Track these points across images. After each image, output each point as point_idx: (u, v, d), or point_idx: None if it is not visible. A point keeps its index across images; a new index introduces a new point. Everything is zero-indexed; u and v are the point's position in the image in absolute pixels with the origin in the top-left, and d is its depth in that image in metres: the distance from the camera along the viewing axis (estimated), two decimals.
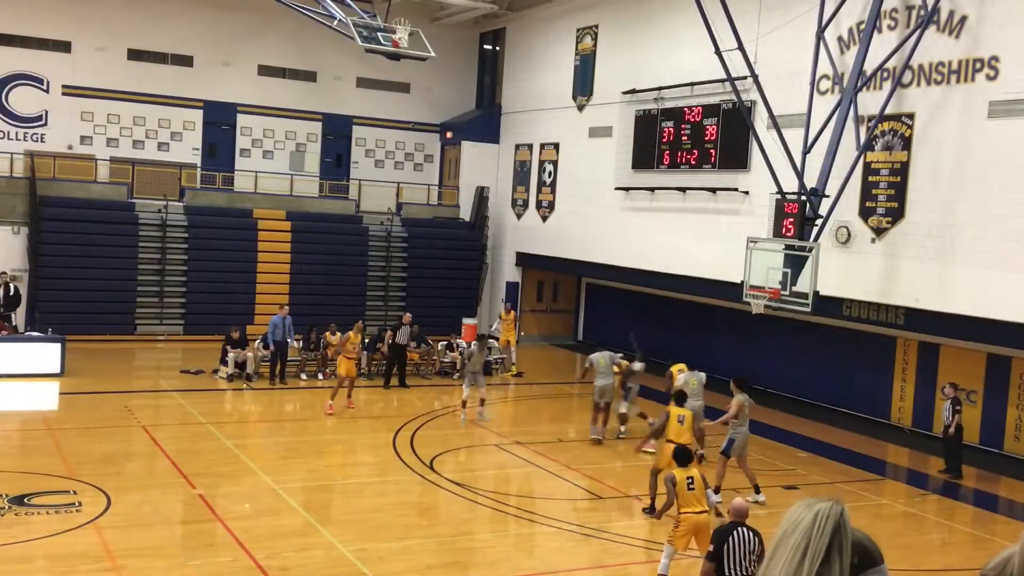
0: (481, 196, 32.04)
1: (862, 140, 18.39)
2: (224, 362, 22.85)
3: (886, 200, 18.80)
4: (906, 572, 12.60)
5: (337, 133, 32.53)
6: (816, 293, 17.54)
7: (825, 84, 19.85)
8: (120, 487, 14.10)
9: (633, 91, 25.76)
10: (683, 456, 11.56)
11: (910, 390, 21.30)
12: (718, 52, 18.97)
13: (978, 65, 17.22)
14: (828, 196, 18.17)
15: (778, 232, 18.40)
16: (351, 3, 25.39)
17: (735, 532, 9.38)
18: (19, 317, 25.31)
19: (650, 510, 14.08)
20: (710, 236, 22.97)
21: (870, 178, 19.04)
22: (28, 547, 11.71)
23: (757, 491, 15.14)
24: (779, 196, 18.53)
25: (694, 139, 23.80)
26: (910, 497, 16.74)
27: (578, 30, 28.49)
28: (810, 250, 17.66)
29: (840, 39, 19.69)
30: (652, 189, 25.19)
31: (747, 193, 22.08)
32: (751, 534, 9.39)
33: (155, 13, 29.38)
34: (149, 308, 27.53)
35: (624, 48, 26.51)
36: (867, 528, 2.52)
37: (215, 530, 12.80)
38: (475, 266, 31.57)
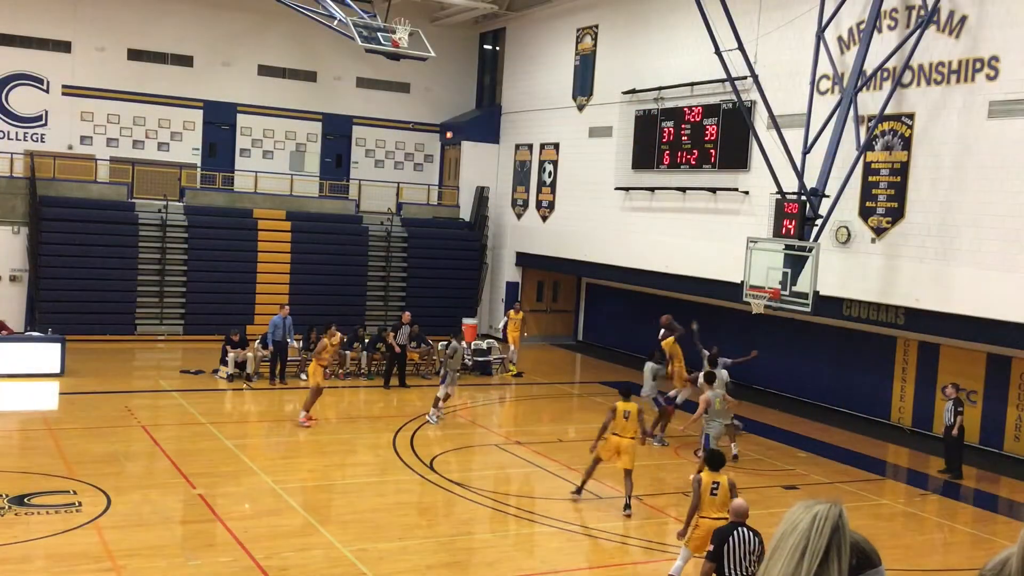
0: (481, 196, 32.05)
1: (862, 140, 18.39)
2: (224, 362, 22.85)
3: (886, 200, 18.80)
4: (906, 572, 12.61)
5: (337, 133, 32.53)
6: (816, 293, 17.54)
7: (825, 84, 19.86)
8: (120, 487, 14.11)
9: (633, 91, 25.76)
10: (716, 460, 11.20)
11: (910, 390, 21.30)
12: (718, 52, 18.97)
13: (978, 65, 17.22)
14: (828, 196, 18.17)
15: (778, 232, 18.40)
16: (351, 3, 25.40)
17: (735, 532, 9.38)
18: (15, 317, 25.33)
19: (576, 491, 14.83)
20: (710, 236, 22.97)
21: (870, 178, 19.04)
22: (28, 547, 11.71)
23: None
24: (779, 196, 18.54)
25: (694, 139, 23.80)
26: (910, 497, 16.74)
27: (578, 30, 28.49)
28: (810, 250, 17.66)
29: (840, 39, 19.69)
30: (652, 189, 25.19)
31: (747, 193, 22.08)
32: (751, 534, 9.39)
33: (155, 13, 29.39)
34: (149, 308, 27.53)
35: (624, 48, 26.51)
36: (867, 528, 2.52)
37: (215, 530, 12.80)
38: (475, 266, 31.57)
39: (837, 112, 18.32)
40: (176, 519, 13.49)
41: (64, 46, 28.72)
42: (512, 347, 26.05)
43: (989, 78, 17.04)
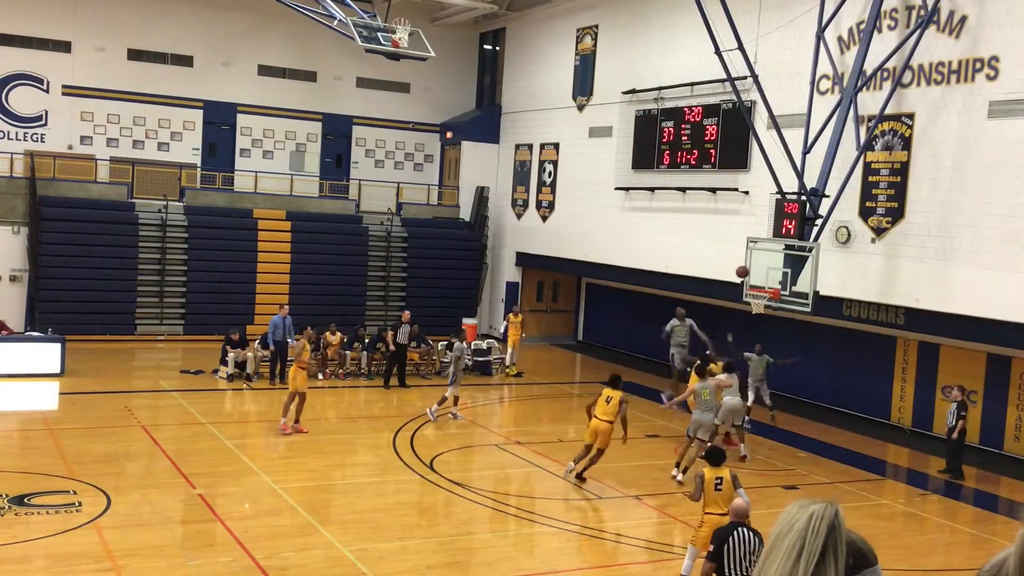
0: (481, 196, 32.05)
1: (862, 140, 18.39)
2: (224, 362, 22.86)
3: (886, 200, 18.80)
4: (906, 572, 12.60)
5: (337, 133, 32.53)
6: (816, 293, 17.54)
7: (825, 84, 19.85)
8: (120, 487, 14.11)
9: (633, 91, 25.76)
10: (716, 456, 11.42)
11: (910, 390, 21.30)
12: (718, 52, 18.97)
13: (978, 65, 17.22)
14: (828, 196, 18.17)
15: (778, 232, 18.40)
16: (351, 3, 25.40)
17: (735, 532, 9.39)
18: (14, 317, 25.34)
19: (578, 476, 15.66)
20: (710, 236, 22.97)
21: (870, 178, 19.04)
22: (28, 547, 11.71)
23: (677, 466, 16.15)
24: (779, 196, 18.54)
25: (694, 139, 23.80)
26: (910, 497, 16.74)
27: (578, 30, 28.49)
28: (810, 250, 17.66)
29: (840, 39, 19.69)
30: (652, 189, 25.19)
31: (747, 193, 22.08)
32: (751, 534, 9.40)
33: (155, 13, 29.39)
34: (149, 308, 27.53)
35: (624, 48, 26.51)
36: (867, 528, 2.53)
37: (215, 530, 12.80)
38: (475, 266, 31.57)
39: (837, 112, 18.32)
40: (176, 519, 13.49)
41: (64, 46, 28.72)
42: (510, 349, 26.03)
43: (989, 78, 17.04)
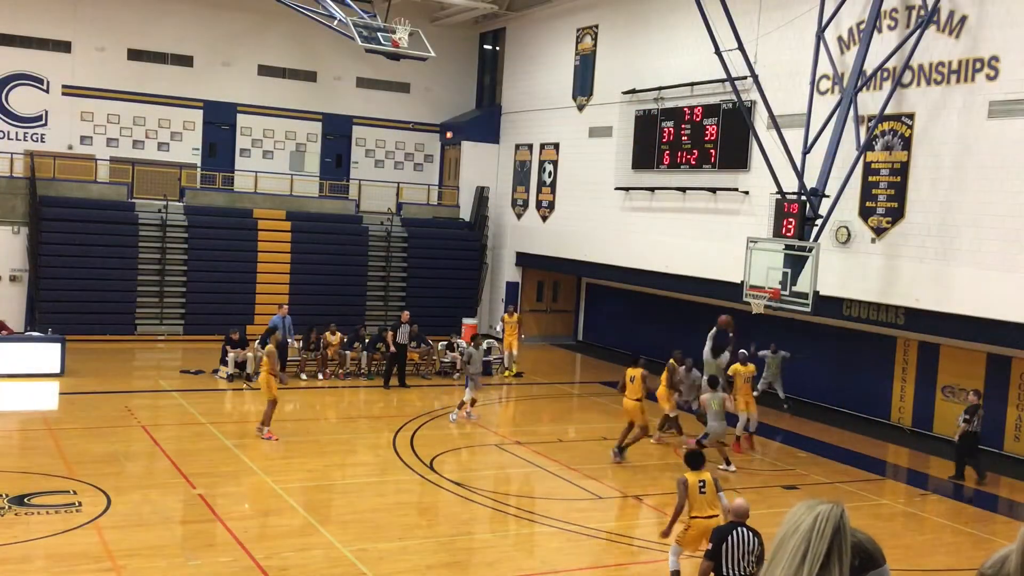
0: (481, 196, 32.05)
1: (862, 140, 18.39)
2: (224, 362, 22.85)
3: (886, 200, 18.80)
4: (906, 572, 12.60)
5: (337, 133, 32.53)
6: (816, 293, 17.54)
7: (825, 84, 19.85)
8: (120, 487, 14.10)
9: (633, 91, 25.76)
10: (695, 460, 11.33)
11: (910, 390, 21.29)
12: (718, 52, 18.97)
13: (978, 65, 17.22)
14: (828, 196, 18.17)
15: (778, 232, 18.40)
16: (351, 3, 25.39)
17: (734, 532, 9.39)
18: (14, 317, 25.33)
19: (617, 451, 16.92)
20: (710, 236, 22.97)
21: (870, 178, 19.04)
22: (28, 547, 11.71)
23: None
24: (779, 196, 18.54)
25: (694, 139, 23.80)
26: (910, 497, 16.74)
27: (578, 30, 28.49)
28: (810, 250, 17.66)
29: (840, 39, 19.69)
30: (652, 189, 25.19)
31: (747, 193, 22.08)
32: (750, 534, 9.39)
33: (155, 13, 29.38)
34: (149, 308, 27.53)
35: (624, 48, 26.51)
36: (867, 528, 2.52)
37: (215, 530, 12.80)
38: (475, 266, 31.57)
39: (837, 112, 18.32)
40: (176, 519, 13.49)
41: (64, 46, 28.72)
42: (506, 352, 25.96)
43: (989, 78, 17.04)
